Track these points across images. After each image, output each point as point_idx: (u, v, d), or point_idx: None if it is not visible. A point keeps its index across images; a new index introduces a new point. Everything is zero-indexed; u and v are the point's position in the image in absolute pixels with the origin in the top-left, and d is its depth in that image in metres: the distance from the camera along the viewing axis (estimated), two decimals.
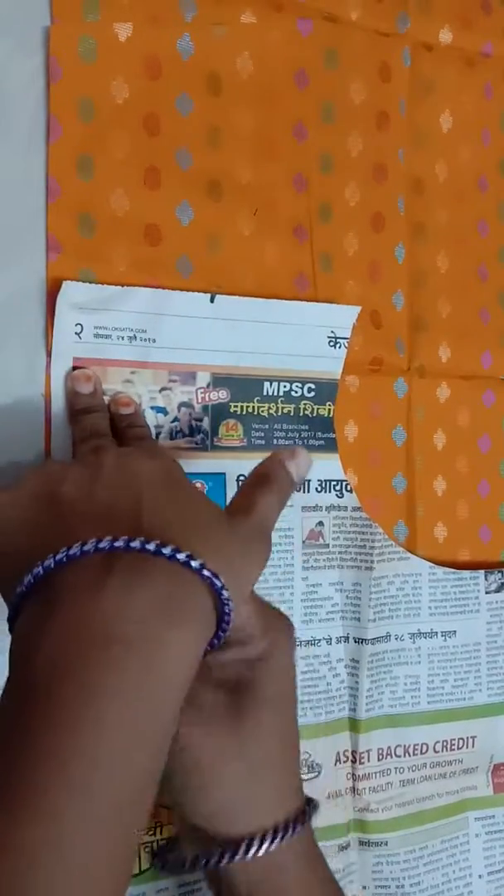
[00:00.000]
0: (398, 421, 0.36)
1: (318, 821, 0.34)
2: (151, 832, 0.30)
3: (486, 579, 0.37)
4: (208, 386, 0.32)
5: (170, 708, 0.18)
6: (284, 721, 0.23)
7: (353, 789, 0.35)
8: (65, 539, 0.19)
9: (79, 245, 0.29)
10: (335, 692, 0.34)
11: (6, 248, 0.28)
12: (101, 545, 0.18)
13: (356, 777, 0.35)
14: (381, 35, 0.35)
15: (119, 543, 0.18)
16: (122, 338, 0.30)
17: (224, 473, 0.32)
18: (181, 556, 0.19)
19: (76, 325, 0.29)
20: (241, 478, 0.32)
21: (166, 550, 0.19)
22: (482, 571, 0.37)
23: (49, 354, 0.29)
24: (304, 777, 0.33)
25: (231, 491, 0.32)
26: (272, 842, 0.22)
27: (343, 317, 0.34)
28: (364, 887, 0.34)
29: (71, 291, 0.29)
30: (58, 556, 0.18)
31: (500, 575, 0.37)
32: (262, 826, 0.23)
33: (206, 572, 0.19)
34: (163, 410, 0.31)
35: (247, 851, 0.22)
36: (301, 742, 0.33)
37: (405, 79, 0.36)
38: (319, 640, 0.34)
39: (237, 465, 0.32)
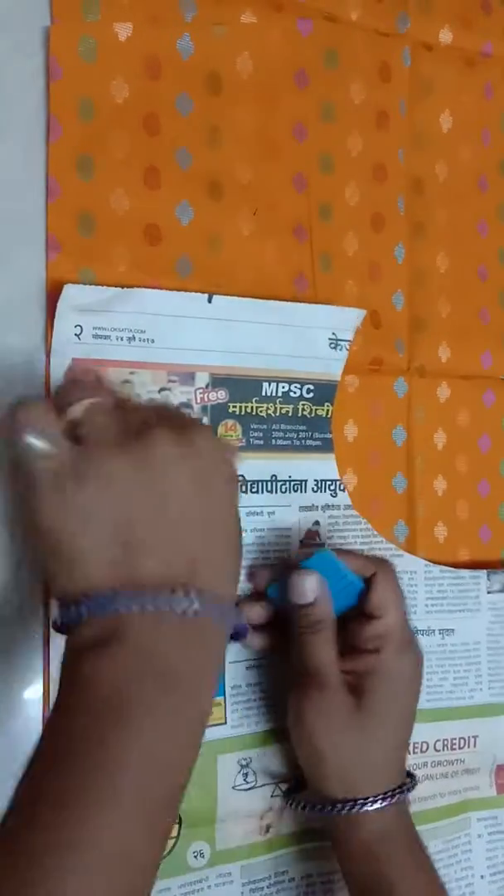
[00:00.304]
0: (398, 421, 0.36)
1: (320, 820, 0.34)
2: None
3: (488, 579, 0.37)
4: (207, 386, 0.32)
5: (199, 732, 0.22)
6: (402, 708, 0.28)
7: None
8: (131, 574, 0.21)
9: (79, 245, 0.29)
10: None
11: (6, 248, 0.28)
12: (161, 604, 0.21)
13: None
14: (381, 35, 0.35)
15: (179, 608, 0.21)
16: (122, 338, 0.30)
17: (242, 475, 0.32)
18: (218, 622, 0.22)
19: (76, 326, 0.29)
20: (241, 478, 0.32)
21: (213, 616, 0.21)
22: (484, 571, 0.37)
23: (48, 355, 0.29)
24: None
25: None
26: (377, 804, 0.27)
27: (346, 319, 0.34)
28: None
29: (72, 294, 0.29)
30: (129, 603, 0.20)
31: (501, 575, 0.37)
32: (368, 793, 0.28)
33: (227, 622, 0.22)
34: None
35: (353, 808, 0.27)
36: None
37: (405, 79, 0.36)
38: None
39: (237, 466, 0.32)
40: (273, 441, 0.33)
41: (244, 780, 0.32)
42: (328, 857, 0.34)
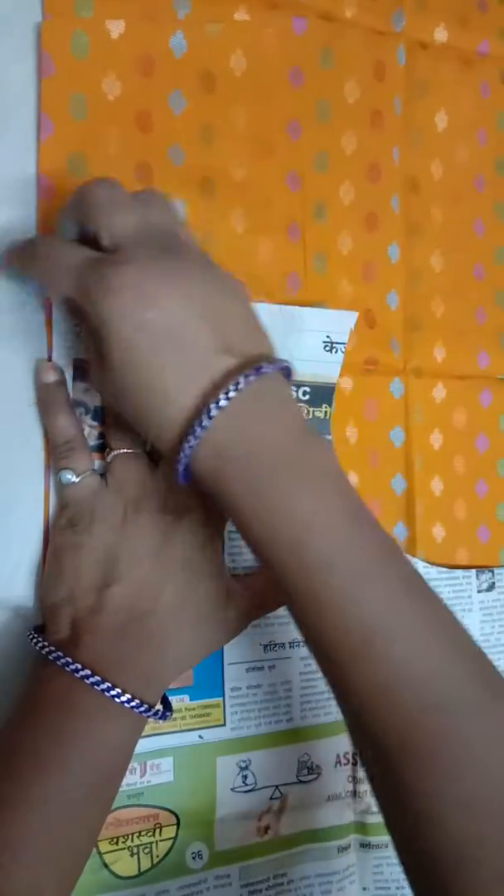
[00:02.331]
0: (396, 421, 0.35)
1: (319, 822, 0.33)
2: (151, 833, 0.30)
3: (477, 578, 0.37)
4: None
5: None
6: (138, 370, 0.22)
7: (354, 792, 0.34)
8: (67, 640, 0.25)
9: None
10: None
11: (1, 249, 0.28)
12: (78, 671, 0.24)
13: (356, 779, 0.34)
14: (377, 33, 0.34)
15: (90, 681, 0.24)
16: None
17: None
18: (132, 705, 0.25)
19: (75, 325, 0.28)
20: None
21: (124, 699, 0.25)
22: (473, 570, 0.36)
23: (49, 355, 0.28)
24: (303, 779, 0.33)
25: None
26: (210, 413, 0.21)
27: (340, 322, 0.33)
28: (364, 888, 0.34)
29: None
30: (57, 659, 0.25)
31: (490, 574, 0.37)
32: (175, 428, 0.22)
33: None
34: None
35: (180, 451, 0.21)
36: (300, 744, 0.33)
37: (400, 77, 0.35)
38: None
39: None
40: None
41: (243, 781, 0.32)
42: (326, 858, 0.33)
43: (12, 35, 0.27)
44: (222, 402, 0.21)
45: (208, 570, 0.27)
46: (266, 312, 0.31)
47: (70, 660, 0.24)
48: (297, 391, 0.33)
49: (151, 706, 0.25)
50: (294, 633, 0.33)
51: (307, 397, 0.33)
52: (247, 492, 0.22)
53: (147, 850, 0.30)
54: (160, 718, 0.26)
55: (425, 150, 0.36)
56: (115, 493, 0.27)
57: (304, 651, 0.33)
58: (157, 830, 0.30)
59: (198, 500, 0.27)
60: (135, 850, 0.29)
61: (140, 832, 0.29)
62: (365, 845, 0.34)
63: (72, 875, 0.24)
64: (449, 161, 0.36)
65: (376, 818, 0.34)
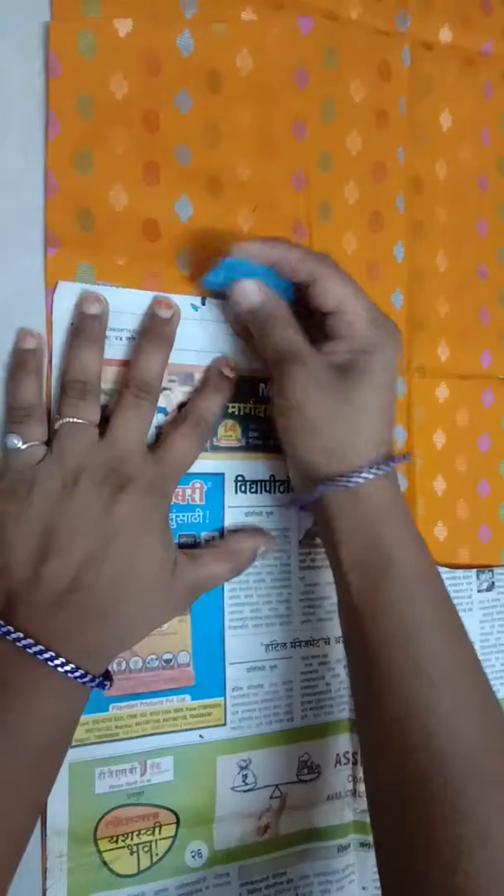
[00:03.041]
0: (398, 421, 0.35)
1: (318, 821, 0.34)
2: (150, 832, 0.30)
3: (477, 578, 0.37)
4: None
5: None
6: (380, 397, 0.28)
7: (354, 791, 0.35)
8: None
9: (77, 240, 0.29)
10: (334, 693, 0.34)
11: (6, 247, 0.28)
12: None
13: (356, 779, 0.34)
14: (382, 33, 0.35)
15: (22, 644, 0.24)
16: (121, 338, 0.30)
17: (223, 473, 0.32)
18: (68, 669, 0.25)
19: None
20: (240, 478, 0.32)
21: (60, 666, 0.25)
22: (474, 570, 0.37)
23: (49, 355, 0.29)
24: (303, 778, 0.33)
25: (229, 491, 0.32)
26: (371, 473, 0.27)
27: None
28: (364, 888, 0.34)
29: (67, 291, 0.29)
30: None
31: (490, 574, 0.37)
32: (357, 465, 0.27)
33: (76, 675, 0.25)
34: (163, 410, 0.31)
35: (350, 479, 0.27)
36: (300, 744, 0.33)
37: (405, 77, 0.36)
38: (318, 640, 0.34)
39: (236, 466, 0.32)
40: (272, 441, 0.33)
41: (243, 781, 0.32)
42: (326, 857, 0.34)
43: (20, 34, 0.28)
44: (404, 460, 0.28)
45: (151, 543, 0.27)
46: None
47: (10, 628, 0.24)
48: None
49: (94, 676, 0.25)
50: (295, 634, 0.33)
51: None
52: (380, 537, 0.27)
53: (146, 849, 0.30)
54: (99, 687, 0.26)
55: (429, 150, 0.37)
56: (56, 462, 0.27)
57: (304, 651, 0.34)
58: (157, 829, 0.30)
59: (141, 470, 0.27)
60: (134, 848, 0.30)
61: (140, 831, 0.30)
62: (365, 845, 0.34)
63: (13, 855, 0.24)
64: (453, 161, 0.37)
65: None
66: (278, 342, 0.28)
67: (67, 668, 0.24)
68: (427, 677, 0.26)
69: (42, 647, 0.24)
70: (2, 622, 0.24)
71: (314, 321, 0.29)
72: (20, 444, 0.27)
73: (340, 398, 0.27)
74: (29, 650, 0.24)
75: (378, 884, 0.34)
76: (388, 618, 0.27)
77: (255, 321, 0.29)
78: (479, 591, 0.37)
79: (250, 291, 0.28)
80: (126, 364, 0.30)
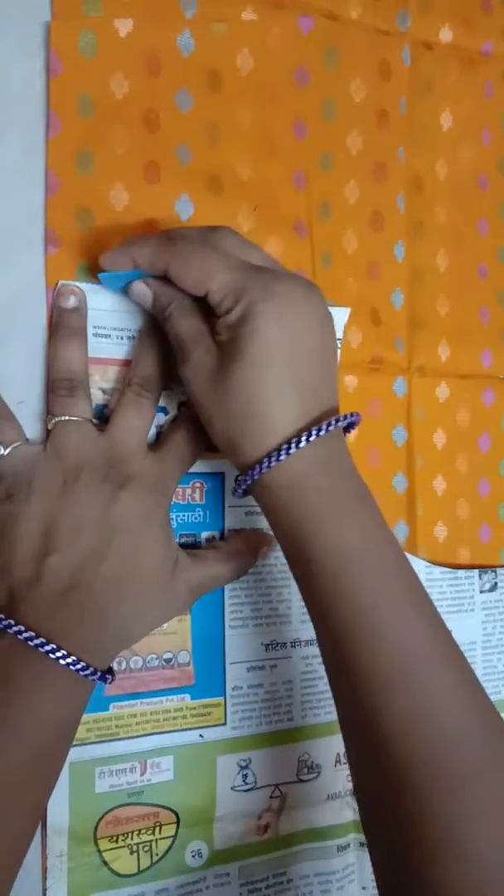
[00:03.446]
0: (398, 420, 0.36)
1: (318, 821, 0.34)
2: (150, 832, 0.31)
3: (480, 578, 0.37)
4: None
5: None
6: (262, 373, 0.25)
7: (353, 791, 0.35)
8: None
9: (78, 239, 0.29)
10: None
11: (7, 246, 0.28)
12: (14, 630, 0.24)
13: None
14: (382, 33, 0.35)
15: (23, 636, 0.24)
16: (122, 337, 0.30)
17: (223, 473, 0.32)
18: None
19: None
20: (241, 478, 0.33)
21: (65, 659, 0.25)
22: (476, 571, 0.37)
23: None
24: (303, 777, 0.34)
25: (229, 490, 0.32)
26: (269, 463, 0.25)
27: (335, 319, 0.34)
28: (364, 888, 0.35)
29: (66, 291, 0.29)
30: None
31: (493, 574, 0.38)
32: (256, 456, 0.25)
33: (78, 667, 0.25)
34: (163, 410, 0.31)
35: (252, 471, 0.25)
36: (300, 743, 0.34)
37: (405, 77, 0.36)
38: None
39: None
40: None
41: (243, 780, 0.32)
42: (326, 857, 0.34)
43: (21, 34, 0.28)
44: (318, 435, 0.25)
45: (152, 540, 0.27)
46: None
47: (12, 621, 0.24)
48: None
49: (96, 669, 0.25)
50: (295, 633, 0.34)
51: None
52: (305, 517, 0.25)
53: (147, 849, 0.30)
54: (101, 681, 0.26)
55: (430, 149, 0.37)
56: (54, 460, 0.27)
57: (304, 651, 0.34)
58: (157, 829, 0.31)
59: (142, 468, 0.27)
60: (134, 848, 0.30)
61: (140, 830, 0.30)
62: (364, 844, 0.35)
63: (16, 853, 0.24)
64: (453, 161, 0.37)
65: None
66: (173, 335, 0.28)
67: (69, 660, 0.24)
68: (373, 677, 0.24)
69: (44, 640, 0.24)
70: (2, 616, 0.24)
71: None
72: (2, 451, 0.27)
73: (222, 387, 0.26)
74: (31, 643, 0.24)
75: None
76: (321, 616, 0.25)
77: (160, 317, 0.28)
78: (481, 592, 0.37)
79: (139, 292, 0.28)
80: (128, 364, 0.30)
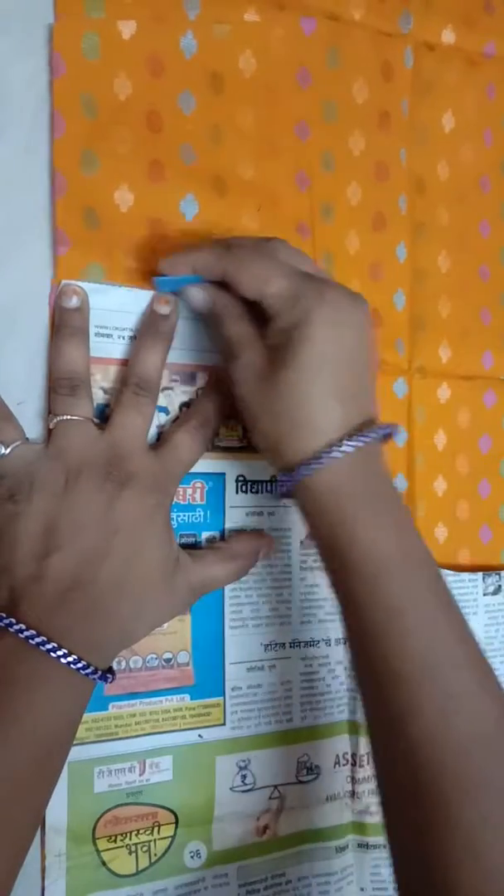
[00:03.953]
0: (399, 421, 0.36)
1: (317, 822, 0.34)
2: (149, 832, 0.31)
3: (483, 581, 0.38)
4: None
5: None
6: (313, 376, 0.26)
7: (353, 792, 0.35)
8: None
9: (86, 239, 0.30)
10: (334, 694, 0.35)
11: (7, 246, 0.29)
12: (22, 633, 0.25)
13: (355, 780, 0.35)
14: (384, 35, 0.36)
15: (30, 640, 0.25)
16: (123, 337, 0.31)
17: (224, 473, 0.33)
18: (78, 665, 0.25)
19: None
20: (241, 478, 0.33)
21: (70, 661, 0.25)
22: (480, 573, 0.38)
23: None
24: (302, 779, 0.34)
25: (230, 490, 0.33)
26: (312, 466, 0.26)
27: None
28: (362, 889, 0.35)
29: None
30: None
31: (497, 577, 0.38)
32: (299, 459, 0.26)
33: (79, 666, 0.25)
34: (165, 410, 0.31)
35: (295, 472, 0.26)
36: (300, 744, 0.34)
37: (407, 78, 0.36)
38: (318, 641, 0.34)
39: (237, 466, 0.33)
40: None
41: (242, 781, 0.33)
42: (324, 858, 0.34)
43: (24, 35, 0.29)
44: (362, 442, 0.26)
45: (154, 540, 0.28)
46: None
47: (13, 620, 0.25)
48: None
49: (97, 668, 0.25)
50: (295, 634, 0.34)
51: None
52: (344, 521, 0.26)
53: (145, 849, 0.31)
54: (102, 680, 0.26)
55: (432, 150, 0.37)
56: (56, 460, 0.27)
57: (304, 651, 0.34)
58: (156, 829, 0.31)
59: (144, 467, 0.28)
60: (133, 848, 0.31)
61: (138, 830, 0.31)
62: (363, 846, 0.35)
63: (16, 856, 0.24)
64: (455, 162, 0.38)
65: (374, 818, 0.35)
66: (224, 338, 0.29)
67: (70, 658, 0.25)
68: (402, 679, 0.25)
69: (45, 639, 0.24)
70: (3, 614, 0.25)
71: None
72: (4, 450, 0.27)
73: (271, 388, 0.27)
74: (32, 642, 0.24)
75: (375, 885, 0.35)
76: (353, 618, 0.26)
77: (210, 320, 0.30)
78: (484, 595, 0.38)
79: (195, 296, 0.29)
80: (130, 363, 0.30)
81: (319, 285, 0.27)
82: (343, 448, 0.26)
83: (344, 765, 0.35)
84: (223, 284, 0.29)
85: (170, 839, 0.31)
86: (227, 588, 0.33)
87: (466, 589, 0.37)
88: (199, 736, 0.32)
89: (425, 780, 0.24)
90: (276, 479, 0.27)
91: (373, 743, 0.27)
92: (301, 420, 0.26)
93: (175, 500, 0.31)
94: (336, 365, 0.26)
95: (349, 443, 0.26)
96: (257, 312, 0.28)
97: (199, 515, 0.32)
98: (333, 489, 0.26)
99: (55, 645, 0.25)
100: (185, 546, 0.31)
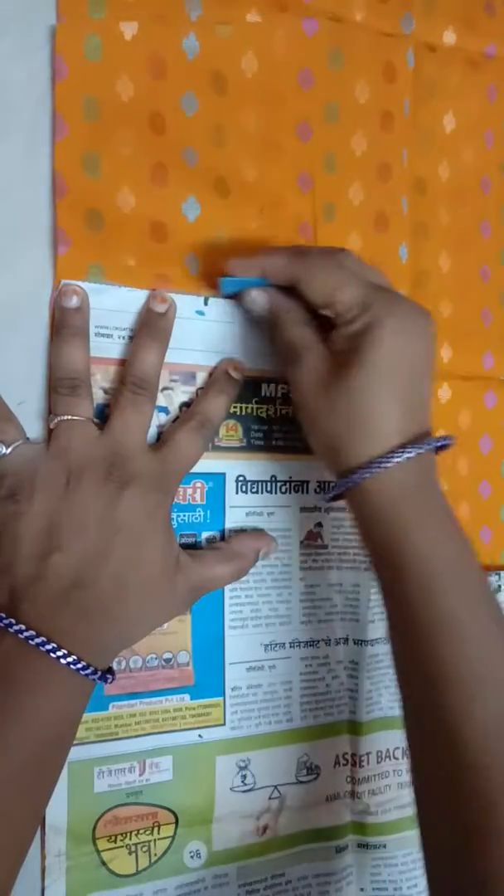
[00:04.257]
0: None
1: (317, 822, 0.35)
2: (149, 832, 0.31)
3: None
4: None
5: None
6: (380, 381, 0.27)
7: (353, 792, 0.36)
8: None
9: (88, 240, 0.30)
10: (335, 694, 0.35)
11: (8, 246, 0.29)
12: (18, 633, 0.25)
13: (355, 780, 0.35)
14: (386, 35, 0.36)
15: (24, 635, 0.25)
16: (123, 337, 0.31)
17: (224, 473, 0.33)
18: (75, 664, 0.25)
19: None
20: (241, 478, 0.33)
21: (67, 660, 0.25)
22: None
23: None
24: (302, 779, 0.34)
25: (230, 490, 0.33)
26: (371, 470, 0.27)
27: None
28: (362, 889, 0.35)
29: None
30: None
31: (497, 577, 0.38)
32: (358, 462, 0.27)
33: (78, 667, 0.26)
34: (165, 410, 0.32)
35: (353, 474, 0.27)
36: (300, 744, 0.34)
37: (409, 79, 0.37)
38: (318, 641, 0.35)
39: (237, 466, 0.33)
40: (273, 442, 0.34)
41: (242, 781, 0.33)
42: (324, 858, 0.35)
43: (26, 37, 0.29)
44: (421, 450, 0.27)
45: (155, 539, 0.28)
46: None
47: (13, 620, 0.25)
48: None
49: (97, 669, 0.26)
50: (295, 634, 0.34)
51: None
52: (398, 526, 0.27)
53: (145, 849, 0.31)
54: (102, 680, 0.26)
55: (433, 151, 0.38)
56: (57, 459, 0.27)
57: (304, 651, 0.34)
58: (156, 829, 0.31)
59: (144, 467, 0.28)
60: (133, 848, 0.31)
61: (138, 830, 0.31)
62: (363, 846, 0.35)
63: (16, 856, 0.25)
64: (456, 163, 0.38)
65: (374, 819, 0.35)
66: (285, 341, 0.30)
67: (70, 659, 0.25)
68: (455, 684, 0.25)
69: (45, 639, 0.25)
70: (3, 614, 0.25)
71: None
72: (5, 450, 0.27)
73: (335, 391, 0.28)
74: (32, 642, 0.25)
75: (375, 885, 0.35)
76: (404, 621, 0.27)
77: (269, 323, 0.31)
78: None
79: (256, 299, 0.31)
80: None
81: (389, 296, 0.28)
82: (404, 454, 0.27)
83: (344, 765, 0.35)
84: (284, 290, 0.30)
85: (170, 839, 0.32)
86: (227, 588, 0.33)
87: None
88: (199, 736, 0.32)
89: (473, 783, 0.24)
90: (328, 483, 0.28)
91: (414, 740, 0.27)
92: (364, 424, 0.27)
93: (175, 500, 0.31)
94: (401, 374, 0.27)
95: (410, 449, 0.27)
96: (317, 319, 0.29)
97: (199, 515, 0.32)
98: (392, 493, 0.27)
99: (55, 645, 0.25)
100: (185, 546, 0.31)
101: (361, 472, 0.27)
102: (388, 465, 0.27)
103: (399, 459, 0.27)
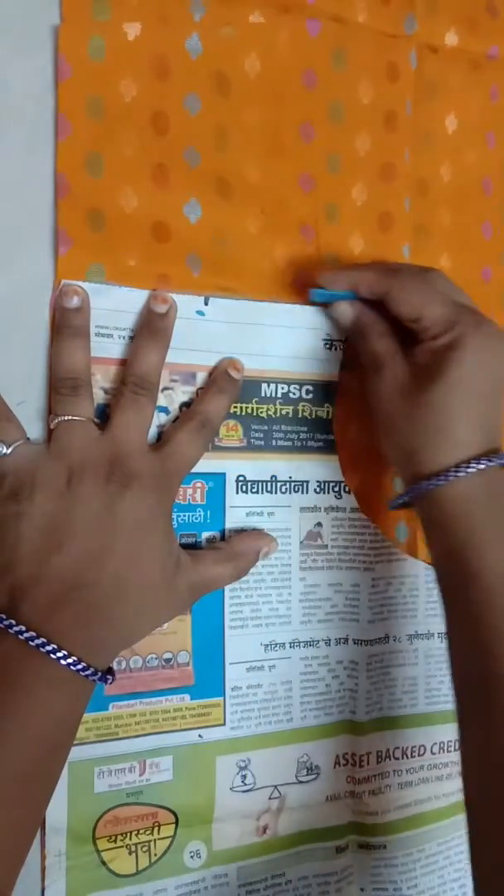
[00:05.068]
0: None
1: (317, 822, 0.35)
2: (149, 832, 0.32)
3: None
4: None
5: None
6: (460, 396, 0.29)
7: (353, 792, 0.36)
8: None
9: (89, 240, 0.30)
10: (335, 694, 0.36)
11: (8, 246, 0.30)
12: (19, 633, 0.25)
13: (356, 780, 0.36)
14: (389, 36, 0.36)
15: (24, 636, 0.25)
16: (123, 337, 0.31)
17: (224, 473, 0.33)
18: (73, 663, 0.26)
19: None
20: (241, 478, 0.34)
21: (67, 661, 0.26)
22: None
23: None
24: (302, 779, 0.35)
25: (230, 490, 0.33)
26: (442, 479, 0.29)
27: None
28: (362, 889, 0.36)
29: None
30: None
31: None
32: (433, 470, 0.29)
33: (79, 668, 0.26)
34: (165, 410, 0.32)
35: (427, 481, 0.29)
36: (300, 744, 0.35)
37: (411, 80, 0.37)
38: (318, 641, 0.35)
39: (237, 466, 0.34)
40: (273, 442, 0.34)
41: (242, 781, 0.33)
42: (324, 859, 0.35)
43: (29, 37, 0.30)
44: (493, 462, 0.29)
45: (155, 540, 0.28)
46: (266, 312, 0.33)
47: (13, 621, 0.25)
48: (300, 389, 0.35)
49: (97, 669, 0.26)
50: (295, 634, 0.35)
51: (310, 396, 0.35)
52: (467, 534, 0.29)
53: (145, 849, 0.31)
54: (102, 681, 0.27)
55: (434, 152, 0.38)
56: (58, 460, 0.28)
57: (304, 651, 0.35)
58: (156, 829, 0.32)
59: (145, 468, 0.29)
60: (133, 848, 0.31)
61: (138, 830, 0.31)
62: (363, 846, 0.36)
63: (17, 854, 0.25)
64: (458, 164, 0.39)
65: (374, 819, 0.36)
66: (368, 352, 0.32)
67: (70, 660, 0.25)
68: None
69: (45, 640, 0.25)
70: (3, 616, 0.25)
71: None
72: (5, 450, 0.28)
73: (416, 401, 0.30)
74: (32, 643, 0.25)
75: (375, 885, 0.35)
76: (470, 628, 0.28)
77: (354, 334, 0.34)
78: None
79: (344, 311, 0.33)
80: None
81: (475, 317, 0.30)
82: (478, 465, 0.29)
83: (344, 765, 0.36)
84: (370, 305, 0.32)
85: (170, 839, 0.32)
86: (227, 588, 0.33)
87: None
88: (199, 736, 0.32)
89: None
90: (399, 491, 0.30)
91: (468, 737, 0.28)
92: (441, 434, 0.29)
93: (175, 500, 0.32)
94: (479, 391, 0.30)
95: (484, 460, 0.29)
96: (398, 335, 0.32)
97: (199, 515, 0.33)
98: (465, 501, 0.29)
99: (55, 646, 0.25)
100: (185, 546, 0.32)
101: (436, 479, 0.29)
102: (462, 474, 0.29)
103: (472, 470, 0.29)
